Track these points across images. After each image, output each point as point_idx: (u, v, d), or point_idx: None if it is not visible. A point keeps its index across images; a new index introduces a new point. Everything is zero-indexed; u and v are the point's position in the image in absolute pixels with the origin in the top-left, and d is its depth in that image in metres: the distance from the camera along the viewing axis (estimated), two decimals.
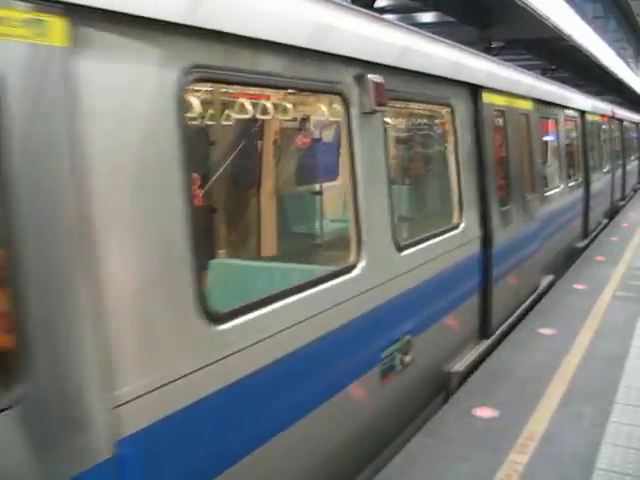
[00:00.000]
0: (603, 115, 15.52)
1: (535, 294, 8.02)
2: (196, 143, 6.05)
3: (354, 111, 3.96)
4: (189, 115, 4.96)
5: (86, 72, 2.24)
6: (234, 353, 2.88)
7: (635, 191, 22.21)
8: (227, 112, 5.72)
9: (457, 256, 5.53)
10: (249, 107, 5.30)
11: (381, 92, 4.09)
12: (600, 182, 14.09)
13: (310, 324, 3.43)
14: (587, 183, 12.33)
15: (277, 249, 6.59)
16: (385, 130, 4.43)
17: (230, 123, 5.90)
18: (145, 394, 2.43)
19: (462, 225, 5.70)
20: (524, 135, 7.99)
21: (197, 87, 4.39)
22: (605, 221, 14.60)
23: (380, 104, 4.09)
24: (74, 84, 2.20)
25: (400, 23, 5.02)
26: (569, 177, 10.94)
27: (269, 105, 5.37)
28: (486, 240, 6.20)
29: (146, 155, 2.51)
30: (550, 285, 8.63)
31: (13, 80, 2.00)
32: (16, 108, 2.01)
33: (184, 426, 2.64)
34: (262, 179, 6.62)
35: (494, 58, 7.42)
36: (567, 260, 10.37)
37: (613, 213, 15.97)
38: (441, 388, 5.43)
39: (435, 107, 6.04)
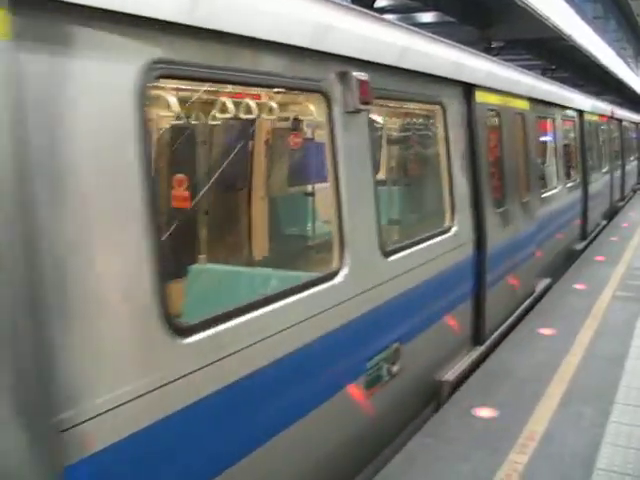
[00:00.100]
0: (602, 115, 15.49)
1: (531, 298, 7.91)
2: (164, 143, 5.89)
3: (337, 110, 3.80)
4: (153, 114, 4.69)
5: (32, 67, 2.10)
6: (200, 368, 2.71)
7: (634, 191, 22.21)
8: (196, 111, 5.49)
9: (448, 260, 5.36)
10: (220, 106, 5.10)
11: (366, 90, 3.93)
12: (599, 183, 14.03)
13: (286, 335, 3.26)
14: (585, 184, 12.24)
15: (255, 255, 6.42)
16: (371, 130, 4.28)
17: (199, 123, 5.69)
18: (97, 416, 2.25)
19: (454, 228, 5.53)
20: (520, 135, 7.88)
21: (163, 84, 4.18)
22: (604, 222, 14.56)
23: (365, 103, 3.94)
24: (19, 81, 2.05)
25: (387, 18, 4.82)
26: (567, 178, 10.84)
27: (243, 104, 5.18)
28: (479, 243, 6.04)
29: (99, 156, 2.34)
30: (547, 288, 8.53)
31: None
32: None
33: (144, 449, 2.45)
34: (236, 182, 6.43)
35: (488, 56, 7.24)
36: (565, 263, 10.28)
37: (612, 214, 15.92)
38: (432, 397, 5.27)
39: (425, 106, 5.90)
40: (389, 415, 4.46)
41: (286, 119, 6.03)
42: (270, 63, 3.31)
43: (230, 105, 5.11)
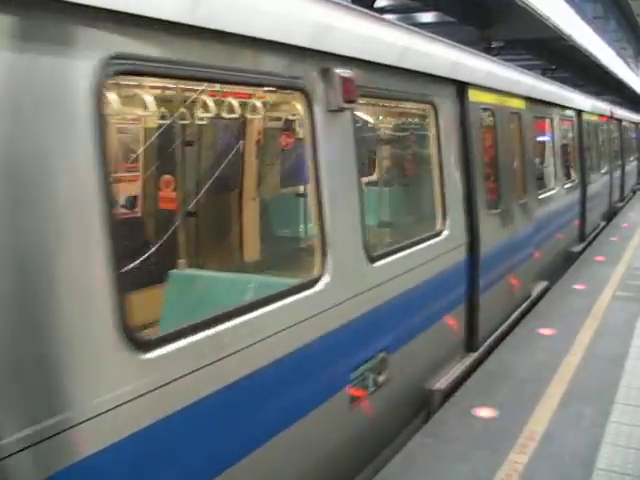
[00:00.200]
0: (601, 115, 15.46)
1: (528, 302, 7.76)
2: (125, 143, 5.75)
3: (318, 109, 3.61)
4: (112, 112, 4.40)
5: None
6: (164, 385, 2.51)
7: (634, 192, 22.17)
8: (161, 110, 5.16)
9: (439, 265, 5.17)
10: (187, 104, 4.90)
11: (350, 88, 3.75)
12: (598, 183, 13.96)
13: (261, 347, 3.06)
14: (584, 184, 12.15)
15: (229, 260, 6.24)
16: (356, 130, 4.10)
17: (163, 122, 5.44)
18: (42, 441, 2.04)
19: (445, 232, 5.34)
20: (516, 135, 7.76)
21: (123, 81, 3.97)
22: (603, 223, 14.49)
23: (348, 101, 3.75)
24: None
25: (374, 14, 4.60)
26: (564, 178, 10.73)
27: (212, 103, 4.94)
28: (473, 246, 5.86)
29: (51, 158, 2.17)
30: (544, 292, 8.40)
31: None
32: None
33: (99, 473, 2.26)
34: (204, 184, 6.15)
35: (481, 54, 7.05)
36: (562, 265, 10.16)
37: (611, 215, 15.85)
38: (422, 407, 5.10)
39: (415, 105, 5.71)
40: (376, 427, 4.29)
41: (259, 118, 5.80)
42: (244, 59, 3.13)
43: (210, 104, 4.90)
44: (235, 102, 5.10)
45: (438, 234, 5.28)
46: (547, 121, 10.19)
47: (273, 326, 3.18)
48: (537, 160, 9.79)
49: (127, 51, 2.45)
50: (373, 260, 4.13)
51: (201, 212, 6.11)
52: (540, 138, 10.29)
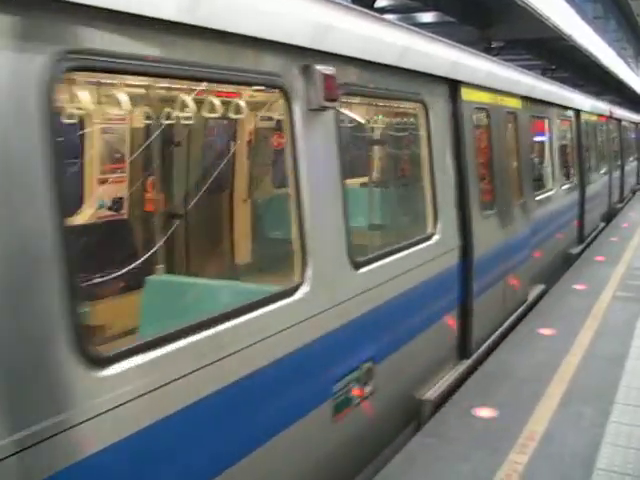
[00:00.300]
0: (600, 115, 15.42)
1: (524, 306, 7.61)
2: (80, 144, 5.50)
3: (298, 107, 3.45)
4: (66, 111, 4.25)
5: None
6: (122, 404, 2.34)
7: (634, 193, 22.15)
8: (124, 109, 4.94)
9: (430, 270, 4.98)
10: (150, 103, 4.73)
11: (332, 86, 3.56)
12: (597, 184, 13.90)
13: (236, 360, 2.90)
14: (582, 185, 12.08)
15: (202, 265, 6.05)
16: (339, 130, 3.90)
17: (132, 124, 5.26)
18: None
19: (436, 235, 5.15)
20: (511, 135, 7.63)
21: (80, 77, 3.75)
22: (602, 225, 14.42)
23: (330, 99, 3.56)
24: None
25: (362, 9, 4.42)
26: (562, 179, 10.62)
27: (182, 100, 4.72)
28: (466, 250, 5.67)
29: None
30: (541, 295, 8.27)
31: None
32: None
33: None
34: (170, 188, 6.02)
35: (475, 51, 6.88)
36: (560, 268, 10.03)
37: (611, 216, 15.77)
38: (412, 417, 4.92)
39: (404, 104, 5.54)
40: (362, 439, 4.14)
41: (232, 118, 5.52)
42: (219, 57, 2.96)
43: (189, 103, 4.71)
44: (216, 100, 4.86)
45: (429, 238, 5.10)
46: (545, 121, 10.09)
47: (250, 337, 3.02)
48: (535, 161, 9.73)
49: (84, 46, 2.32)
50: (358, 266, 3.96)
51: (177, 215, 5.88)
52: (537, 138, 10.22)
